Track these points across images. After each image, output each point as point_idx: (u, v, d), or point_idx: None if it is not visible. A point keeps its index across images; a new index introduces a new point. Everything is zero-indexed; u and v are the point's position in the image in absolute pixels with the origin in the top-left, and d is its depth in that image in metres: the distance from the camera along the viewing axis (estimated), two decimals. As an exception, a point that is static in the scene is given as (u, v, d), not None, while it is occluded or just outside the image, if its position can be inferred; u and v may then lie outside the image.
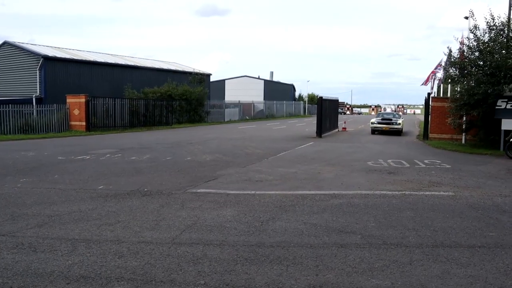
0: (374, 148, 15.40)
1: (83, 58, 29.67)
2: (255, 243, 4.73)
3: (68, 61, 27.95)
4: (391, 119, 23.44)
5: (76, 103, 23.55)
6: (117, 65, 31.47)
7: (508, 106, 13.84)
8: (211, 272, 3.91)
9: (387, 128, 22.55)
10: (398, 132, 22.63)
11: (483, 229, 5.34)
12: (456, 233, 5.15)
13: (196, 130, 25.41)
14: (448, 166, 10.79)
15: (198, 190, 7.63)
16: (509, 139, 12.63)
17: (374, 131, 23.07)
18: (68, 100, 23.91)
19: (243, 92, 54.97)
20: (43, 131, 21.79)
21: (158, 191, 7.52)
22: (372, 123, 23.54)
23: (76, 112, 23.52)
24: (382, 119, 23.73)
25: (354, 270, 3.97)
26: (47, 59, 26.40)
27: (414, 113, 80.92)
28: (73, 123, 23.64)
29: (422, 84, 22.03)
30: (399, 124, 22.73)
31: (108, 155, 12.82)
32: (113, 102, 25.12)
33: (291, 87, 70.73)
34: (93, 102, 23.56)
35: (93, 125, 23.40)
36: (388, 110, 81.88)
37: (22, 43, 29.03)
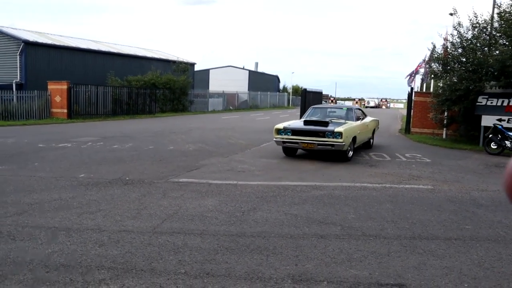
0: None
1: (66, 44, 29.05)
2: (236, 233, 4.77)
3: (50, 47, 27.32)
4: (326, 125, 10.09)
5: (57, 89, 23.10)
6: (100, 52, 30.92)
7: (489, 103, 14.13)
8: (192, 261, 3.93)
9: (312, 146, 9.90)
10: (341, 154, 10.11)
11: (460, 222, 5.49)
12: (433, 225, 5.28)
13: (179, 120, 25.24)
14: (428, 160, 11.00)
15: (180, 180, 7.61)
16: (488, 135, 12.93)
17: (287, 150, 10.73)
18: (49, 87, 23.42)
19: (228, 82, 54.66)
20: (23, 118, 21.33)
21: (139, 180, 7.48)
22: (281, 131, 10.27)
23: (57, 99, 23.08)
24: (305, 125, 10.41)
25: (333, 261, 4.04)
26: (28, 44, 25.74)
27: (392, 107, 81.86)
28: (54, 110, 23.20)
29: (409, 84, 21.01)
30: (340, 135, 9.61)
31: (90, 143, 12.66)
32: (96, 90, 24.71)
33: (276, 79, 70.64)
34: (75, 89, 23.14)
35: (75, 113, 23.01)
36: (372, 104, 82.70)
37: (2, 27, 28.24)
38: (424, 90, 22.82)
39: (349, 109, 11.98)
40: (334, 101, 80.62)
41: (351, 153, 10.44)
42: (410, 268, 3.90)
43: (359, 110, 12.64)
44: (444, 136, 17.25)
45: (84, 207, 5.69)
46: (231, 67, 63.75)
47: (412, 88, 20.32)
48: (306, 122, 10.61)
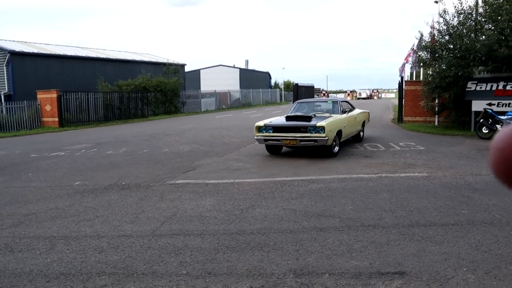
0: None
1: (53, 52, 28.85)
2: (236, 231, 4.77)
3: (37, 56, 27.12)
4: (309, 120, 9.83)
5: (47, 98, 22.94)
6: (88, 58, 30.74)
7: (478, 88, 14.22)
8: (193, 262, 3.93)
9: (294, 143, 9.52)
10: (326, 150, 9.67)
11: (456, 207, 5.53)
12: (430, 212, 5.32)
13: (172, 121, 25.17)
14: (422, 148, 11.06)
15: (177, 181, 7.60)
16: (479, 120, 13.01)
17: (270, 148, 10.44)
18: (38, 96, 23.26)
19: (219, 82, 54.56)
20: (13, 129, 21.18)
21: (136, 184, 7.46)
22: (262, 128, 9.85)
23: (47, 108, 22.92)
24: (287, 120, 10.10)
25: (334, 253, 4.06)
26: (14, 54, 25.52)
27: (384, 97, 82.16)
28: (45, 119, 23.05)
29: (401, 74, 21.11)
30: (322, 129, 9.19)
31: (83, 150, 12.59)
32: (86, 96, 24.58)
33: (267, 75, 70.61)
34: (65, 97, 22.99)
35: (66, 121, 22.86)
36: (364, 95, 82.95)
37: (-13, 38, 27.99)
38: (414, 78, 22.93)
39: (334, 102, 11.51)
40: (326, 94, 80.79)
41: (336, 148, 9.99)
42: (409, 256, 3.93)
43: (345, 102, 12.27)
44: (436, 123, 17.34)
45: (81, 214, 5.67)
46: (222, 66, 63.61)
47: (402, 78, 20.39)
48: (288, 118, 10.27)
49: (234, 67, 64.44)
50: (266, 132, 9.81)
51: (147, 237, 4.66)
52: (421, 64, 17.43)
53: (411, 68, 21.15)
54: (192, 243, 4.44)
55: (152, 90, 30.41)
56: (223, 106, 42.28)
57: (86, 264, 3.98)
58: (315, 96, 57.06)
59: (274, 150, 10.50)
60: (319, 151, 9.91)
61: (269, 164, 9.27)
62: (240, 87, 54.45)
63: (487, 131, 12.76)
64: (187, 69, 46.44)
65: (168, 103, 32.26)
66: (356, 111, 12.38)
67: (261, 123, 10.01)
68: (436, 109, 16.65)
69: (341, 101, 11.76)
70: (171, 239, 4.57)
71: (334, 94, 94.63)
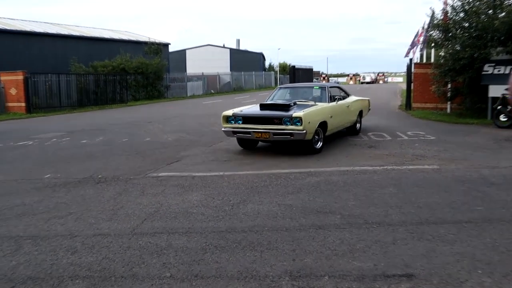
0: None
1: (18, 29, 28.49)
2: (225, 229, 4.77)
3: (0, 32, 26.75)
4: (286, 109, 9.19)
5: (12, 81, 22.68)
6: (59, 35, 30.43)
7: (496, 71, 14.25)
8: (178, 263, 3.92)
9: (267, 136, 8.90)
10: (305, 145, 9.08)
11: (470, 203, 5.56)
12: (441, 208, 5.34)
13: (155, 107, 25.05)
14: (432, 138, 11.11)
15: (160, 174, 7.58)
16: (497, 107, 13.07)
17: (242, 142, 10.00)
18: (2, 78, 22.98)
19: (207, 63, 54.42)
20: (-25, 115, 20.97)
21: (114, 177, 7.42)
22: (230, 118, 9.37)
23: (13, 91, 22.68)
24: (261, 109, 9.61)
25: (334, 253, 4.07)
26: (-25, 31, 25.21)
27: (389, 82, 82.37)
28: (10, 104, 22.82)
29: (409, 56, 21.00)
30: (299, 121, 8.59)
31: (55, 139, 12.50)
32: (58, 79, 24.34)
33: (261, 56, 70.47)
34: (33, 79, 22.74)
35: (34, 106, 22.66)
36: (368, 79, 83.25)
37: None
38: (424, 61, 22.94)
39: (321, 88, 10.86)
40: (326, 78, 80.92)
41: (320, 143, 9.33)
42: (418, 257, 3.95)
43: (336, 88, 11.80)
44: (448, 110, 17.41)
45: (52, 211, 5.63)
46: (210, 46, 63.39)
47: (411, 60, 20.39)
48: (262, 107, 9.73)
49: (224, 47, 64.19)
50: (235, 123, 9.27)
51: (126, 236, 4.64)
52: (433, 44, 17.42)
53: (421, 49, 21.14)
54: (176, 242, 4.43)
55: (132, 73, 30.22)
56: (212, 91, 42.14)
57: (57, 266, 3.95)
58: (314, 80, 57.13)
59: (247, 144, 9.98)
60: (296, 147, 9.30)
61: (262, 154, 9.26)
62: (231, 70, 54.33)
63: (505, 119, 12.83)
64: (171, 49, 46.15)
65: (150, 87, 32.11)
66: (351, 98, 11.86)
67: (229, 112, 9.50)
68: (449, 95, 16.70)
69: (331, 87, 11.15)
70: (154, 238, 4.56)
71: (335, 78, 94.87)
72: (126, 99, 28.65)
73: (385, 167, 7.74)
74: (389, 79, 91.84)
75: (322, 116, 9.40)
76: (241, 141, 9.93)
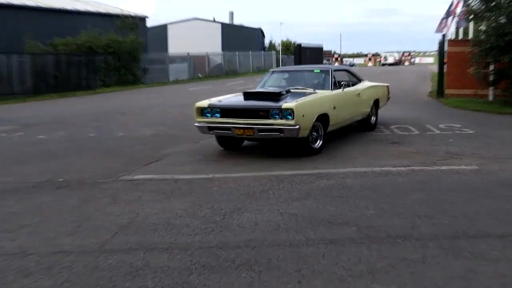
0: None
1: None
2: (216, 244, 4.74)
3: None
4: (277, 98, 8.84)
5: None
6: (10, 5, 30.25)
7: (549, 49, 14.25)
8: (157, 287, 3.90)
9: (250, 133, 8.43)
10: (300, 144, 8.68)
11: (517, 211, 5.55)
12: (482, 219, 5.33)
13: (130, 95, 25.05)
14: (471, 132, 11.11)
15: (136, 177, 7.58)
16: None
17: (222, 140, 9.54)
18: None
19: (194, 42, 54.29)
20: None
21: (78, 181, 7.40)
22: (206, 110, 8.97)
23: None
24: (245, 99, 9.36)
25: (349, 274, 4.04)
26: None
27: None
28: None
29: (442, 31, 20.72)
30: (291, 113, 8.11)
31: (4, 134, 12.49)
32: (7, 59, 24.36)
33: (259, 33, 70.51)
34: (-24, 60, 22.71)
35: (-22, 93, 22.65)
36: (391, 60, 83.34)
37: None
38: (461, 37, 22.92)
39: (324, 72, 10.30)
40: (339, 59, 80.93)
41: (319, 142, 8.98)
42: (454, 279, 3.93)
43: (344, 71, 11.52)
44: (490, 97, 17.42)
45: None
46: (197, 20, 63.36)
47: (444, 36, 20.36)
48: (247, 96, 9.32)
49: (214, 21, 64.18)
50: (212, 116, 8.81)
51: (93, 254, 4.61)
52: (471, 16, 17.39)
53: (457, 22, 21.09)
54: (156, 261, 4.41)
55: (102, 52, 30.19)
56: (199, 75, 42.17)
57: (7, 291, 3.92)
58: (324, 61, 57.10)
59: (229, 143, 9.56)
60: (290, 147, 8.93)
61: (261, 152, 9.25)
62: (223, 49, 54.34)
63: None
64: (149, 23, 46.08)
65: (123, 70, 32.11)
66: (363, 84, 11.52)
67: (204, 102, 9.06)
68: (491, 79, 16.70)
69: (335, 70, 10.70)
70: (127, 256, 4.53)
71: (350, 59, 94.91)
72: (94, 85, 28.65)
73: (412, 167, 7.73)
74: (417, 60, 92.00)
75: (322, 107, 9.01)
76: (220, 140, 9.49)
